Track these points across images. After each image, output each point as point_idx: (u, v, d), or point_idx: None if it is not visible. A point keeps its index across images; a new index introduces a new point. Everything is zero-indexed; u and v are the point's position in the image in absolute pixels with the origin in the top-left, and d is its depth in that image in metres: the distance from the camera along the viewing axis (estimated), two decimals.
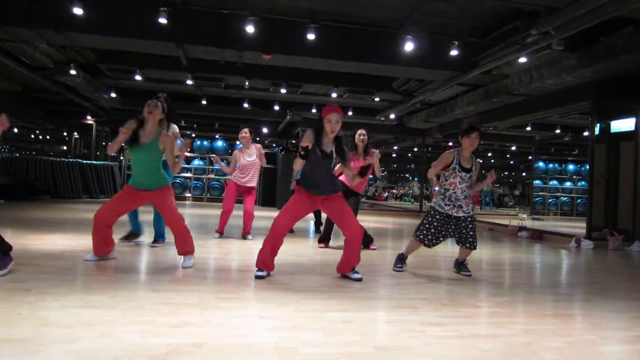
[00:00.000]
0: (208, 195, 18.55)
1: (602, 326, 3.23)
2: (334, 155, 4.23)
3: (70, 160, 15.84)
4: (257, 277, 4.13)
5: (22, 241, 5.47)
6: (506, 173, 37.79)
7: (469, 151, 4.71)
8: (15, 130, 24.21)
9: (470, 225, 4.71)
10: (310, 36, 7.84)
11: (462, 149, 4.73)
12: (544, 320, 3.31)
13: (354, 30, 8.47)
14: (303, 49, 8.55)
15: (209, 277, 4.20)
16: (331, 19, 8.08)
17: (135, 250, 5.37)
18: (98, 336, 2.47)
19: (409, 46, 8.03)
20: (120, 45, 9.06)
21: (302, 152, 4.02)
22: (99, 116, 17.92)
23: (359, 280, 4.25)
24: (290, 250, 6.04)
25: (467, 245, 4.74)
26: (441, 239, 4.74)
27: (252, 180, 6.96)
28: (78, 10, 7.16)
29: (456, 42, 8.06)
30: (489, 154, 28.71)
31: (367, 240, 6.47)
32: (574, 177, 21.28)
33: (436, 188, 33.32)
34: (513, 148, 23.21)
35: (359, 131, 6.01)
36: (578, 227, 11.49)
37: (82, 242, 5.70)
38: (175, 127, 5.62)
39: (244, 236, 7.02)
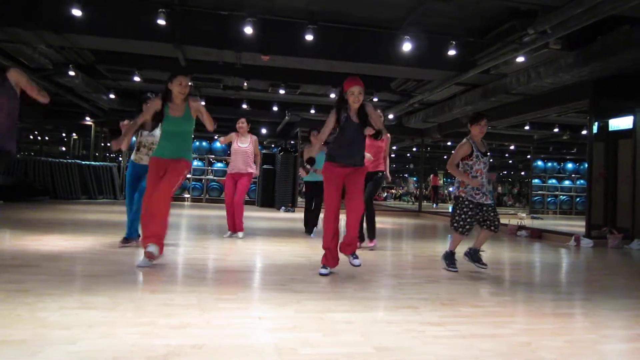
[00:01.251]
0: (207, 196, 18.53)
1: (602, 325, 3.22)
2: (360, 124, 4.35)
3: (69, 161, 15.84)
4: (322, 274, 4.37)
5: (20, 242, 5.46)
6: (505, 172, 37.80)
7: (479, 137, 4.99)
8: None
9: (494, 211, 4.92)
10: (309, 37, 7.85)
11: (472, 137, 4.97)
12: (544, 319, 3.31)
13: (352, 31, 8.48)
14: (301, 49, 8.56)
15: (209, 277, 4.19)
16: (329, 19, 8.09)
17: (133, 251, 5.37)
18: (97, 337, 2.47)
19: (406, 46, 8.04)
20: (119, 46, 9.06)
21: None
22: (98, 117, 17.90)
23: (358, 265, 4.43)
24: (289, 251, 6.04)
25: (493, 227, 4.89)
26: (474, 223, 4.91)
27: (244, 168, 6.97)
28: (77, 12, 7.17)
29: (454, 42, 8.08)
30: (488, 154, 28.71)
31: (370, 234, 6.43)
32: (573, 175, 21.30)
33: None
34: (512, 147, 23.22)
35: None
36: (577, 225, 11.50)
37: (80, 243, 5.70)
38: None
39: (232, 233, 6.99)
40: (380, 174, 6.43)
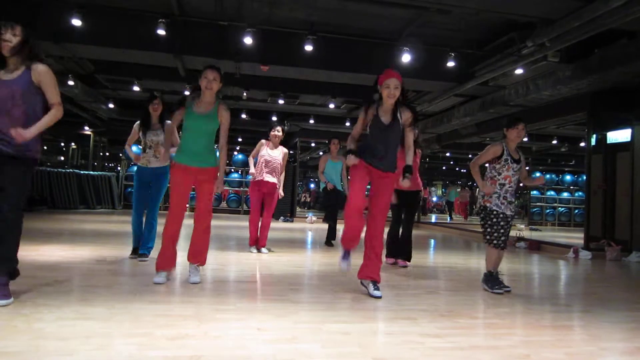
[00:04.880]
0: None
1: (601, 337, 3.21)
2: (395, 123, 4.02)
3: (68, 170, 15.81)
4: (343, 258, 4.18)
5: (18, 252, 5.43)
6: None
7: (515, 143, 4.64)
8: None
9: (509, 225, 4.60)
10: (308, 47, 7.89)
11: (508, 141, 4.62)
12: (542, 331, 3.30)
13: (351, 42, 8.53)
14: (301, 60, 8.60)
15: (206, 288, 4.17)
16: (328, 30, 8.14)
17: (131, 261, 5.34)
18: (94, 349, 2.45)
19: (406, 57, 8.07)
20: (118, 56, 9.10)
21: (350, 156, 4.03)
22: (97, 127, 17.93)
23: (378, 297, 3.98)
24: (288, 261, 6.02)
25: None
26: (507, 235, 4.60)
27: (273, 178, 6.49)
28: (77, 22, 7.19)
29: (453, 54, 8.12)
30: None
31: (407, 254, 6.08)
32: (571, 187, 21.32)
33: (434, 198, 32.95)
34: None
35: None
36: (576, 237, 11.49)
37: (78, 253, 5.67)
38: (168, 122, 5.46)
39: (259, 249, 6.60)
40: (420, 192, 6.14)
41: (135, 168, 5.53)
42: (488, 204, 4.55)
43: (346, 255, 4.27)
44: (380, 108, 4.06)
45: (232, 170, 17.88)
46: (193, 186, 4.31)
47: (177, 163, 4.21)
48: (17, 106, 3.19)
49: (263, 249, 6.58)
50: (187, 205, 4.49)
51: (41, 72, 3.28)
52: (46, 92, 3.29)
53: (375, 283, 4.09)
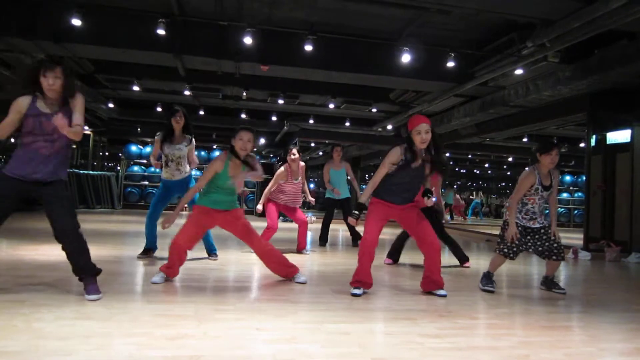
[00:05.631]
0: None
1: (600, 338, 3.21)
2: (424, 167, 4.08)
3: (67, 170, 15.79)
4: (354, 295, 4.06)
5: (17, 252, 5.44)
6: (503, 184, 37.88)
7: (548, 168, 4.57)
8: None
9: (547, 234, 4.57)
10: (308, 47, 7.89)
11: (540, 166, 4.55)
12: (542, 332, 3.30)
13: (351, 42, 8.53)
14: (300, 60, 8.60)
15: (206, 288, 4.17)
16: (328, 30, 8.14)
17: (131, 261, 5.35)
18: (94, 348, 2.45)
19: (405, 57, 8.08)
20: (118, 56, 9.09)
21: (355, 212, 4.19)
22: (97, 126, 17.90)
23: (443, 296, 4.18)
24: None
25: (554, 257, 4.56)
26: (522, 248, 4.60)
27: (295, 203, 6.65)
28: (76, 22, 7.18)
29: (452, 54, 8.12)
30: (486, 165, 28.79)
31: (460, 257, 6.28)
32: (571, 188, 21.33)
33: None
34: (510, 159, 23.28)
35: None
36: (575, 238, 11.49)
37: None
38: (193, 140, 5.58)
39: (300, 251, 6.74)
40: (437, 206, 6.07)
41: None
42: (506, 218, 4.64)
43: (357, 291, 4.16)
44: (415, 154, 4.03)
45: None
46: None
47: (201, 206, 4.30)
48: (61, 138, 3.41)
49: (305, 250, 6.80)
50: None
51: (76, 98, 3.48)
52: (74, 113, 3.44)
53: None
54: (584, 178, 9.80)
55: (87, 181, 15.77)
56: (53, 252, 5.59)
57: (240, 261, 5.86)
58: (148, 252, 5.61)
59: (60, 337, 2.58)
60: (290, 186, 6.55)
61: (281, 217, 15.44)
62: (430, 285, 4.28)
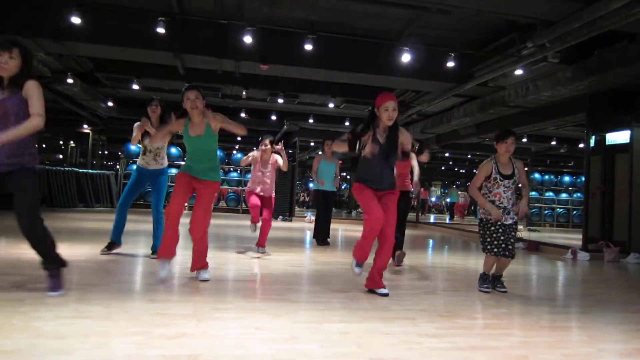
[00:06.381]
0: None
1: (599, 339, 3.22)
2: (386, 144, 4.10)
3: (66, 169, 15.78)
4: (356, 271, 4.18)
5: (16, 250, 5.43)
6: None
7: (506, 157, 4.61)
8: None
9: (513, 233, 4.59)
10: (308, 47, 7.88)
11: (498, 155, 4.62)
12: (540, 332, 3.30)
13: (351, 41, 8.53)
14: (300, 59, 8.60)
15: (205, 287, 4.17)
16: (328, 29, 8.14)
17: (130, 260, 5.34)
18: (93, 347, 2.45)
19: (405, 57, 8.07)
20: (118, 54, 9.08)
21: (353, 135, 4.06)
22: (96, 125, 17.90)
23: (385, 295, 4.10)
24: (287, 261, 6.02)
25: (507, 253, 4.56)
26: (502, 240, 4.57)
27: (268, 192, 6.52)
28: (76, 20, 7.17)
29: (452, 54, 8.12)
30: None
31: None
32: (570, 188, 21.35)
33: (433, 199, 32.88)
34: None
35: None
36: (574, 238, 11.50)
37: (77, 251, 5.67)
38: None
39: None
40: (408, 193, 6.09)
41: (134, 167, 5.56)
42: (483, 216, 4.66)
43: (359, 264, 4.28)
44: (377, 130, 4.14)
45: (232, 169, 17.86)
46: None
47: (181, 172, 4.32)
48: (11, 124, 3.29)
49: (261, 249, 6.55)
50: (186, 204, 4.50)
51: (29, 85, 3.36)
52: (29, 102, 3.35)
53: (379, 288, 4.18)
54: (583, 179, 9.80)
55: (86, 180, 15.75)
56: None
57: (239, 261, 5.86)
58: (112, 246, 5.56)
59: (59, 336, 2.58)
60: (258, 173, 6.50)
61: (280, 217, 15.55)
62: (371, 283, 4.21)
